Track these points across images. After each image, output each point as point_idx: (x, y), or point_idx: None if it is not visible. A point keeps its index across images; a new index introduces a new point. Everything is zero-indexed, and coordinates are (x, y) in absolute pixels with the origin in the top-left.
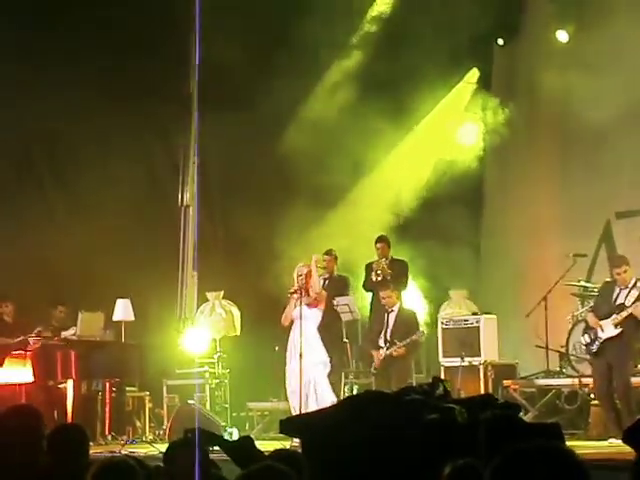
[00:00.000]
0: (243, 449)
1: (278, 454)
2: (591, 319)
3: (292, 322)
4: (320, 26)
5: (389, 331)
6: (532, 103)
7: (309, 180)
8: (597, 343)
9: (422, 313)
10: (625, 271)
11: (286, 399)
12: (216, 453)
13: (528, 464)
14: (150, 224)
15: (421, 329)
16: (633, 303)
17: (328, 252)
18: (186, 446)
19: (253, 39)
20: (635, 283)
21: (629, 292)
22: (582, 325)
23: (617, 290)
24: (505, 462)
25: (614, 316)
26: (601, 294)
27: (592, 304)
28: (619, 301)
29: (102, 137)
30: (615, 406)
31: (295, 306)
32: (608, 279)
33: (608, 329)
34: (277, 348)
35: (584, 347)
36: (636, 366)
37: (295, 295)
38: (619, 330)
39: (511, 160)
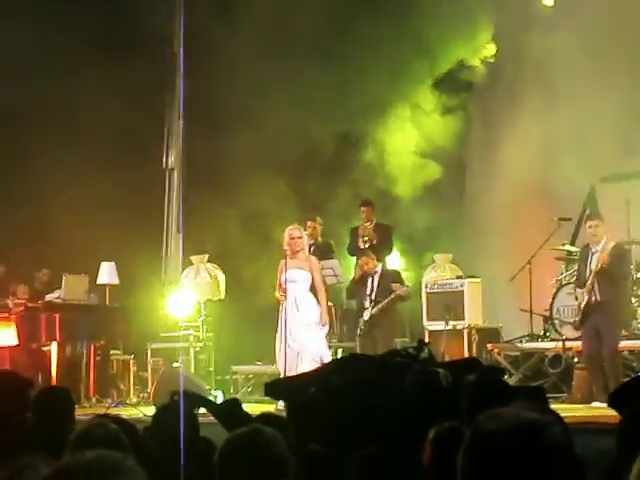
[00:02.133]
0: (230, 411)
1: (263, 418)
2: (578, 292)
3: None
4: None
5: (374, 292)
6: (516, 65)
7: (297, 143)
8: (581, 311)
9: (407, 277)
10: (597, 225)
11: (271, 362)
12: (202, 416)
13: (509, 427)
14: (135, 187)
15: (407, 284)
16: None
17: (311, 218)
18: (174, 408)
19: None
20: (605, 244)
21: (600, 256)
22: (566, 289)
23: (590, 255)
24: (485, 426)
25: (587, 283)
26: (580, 260)
27: (576, 276)
28: (592, 267)
29: (86, 97)
30: (603, 370)
31: (284, 270)
32: (582, 244)
33: (585, 297)
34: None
35: (576, 315)
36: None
37: (282, 262)
38: (590, 297)
39: (494, 122)
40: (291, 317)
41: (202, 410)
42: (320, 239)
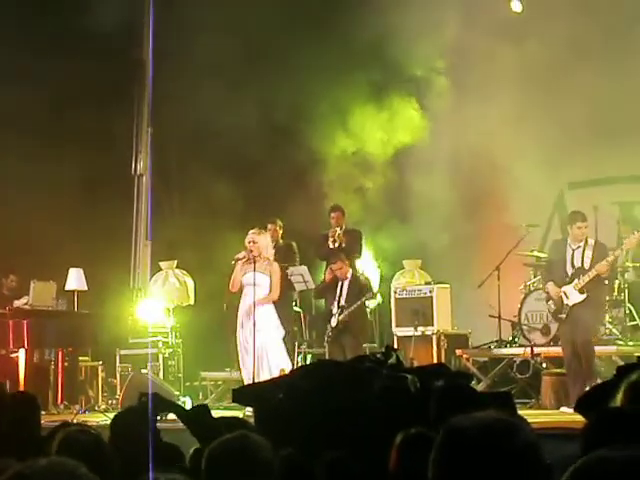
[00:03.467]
0: (198, 417)
1: (229, 423)
2: (552, 289)
3: (241, 289)
4: None
5: (343, 297)
6: (485, 71)
7: (268, 149)
8: (565, 310)
9: (376, 282)
10: (587, 227)
11: (239, 369)
12: (169, 422)
13: (477, 433)
14: (103, 193)
15: (374, 291)
16: (591, 264)
17: (271, 221)
18: (134, 414)
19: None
20: (586, 241)
21: (584, 253)
22: (535, 295)
23: (570, 251)
24: (448, 437)
25: (576, 281)
26: (553, 257)
27: (547, 270)
28: (577, 264)
29: (54, 104)
30: (582, 375)
31: (244, 272)
32: (555, 238)
33: (573, 295)
34: (225, 306)
35: (551, 315)
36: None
37: (240, 261)
38: (585, 295)
39: (463, 128)
40: (247, 322)
41: (171, 416)
42: (281, 241)
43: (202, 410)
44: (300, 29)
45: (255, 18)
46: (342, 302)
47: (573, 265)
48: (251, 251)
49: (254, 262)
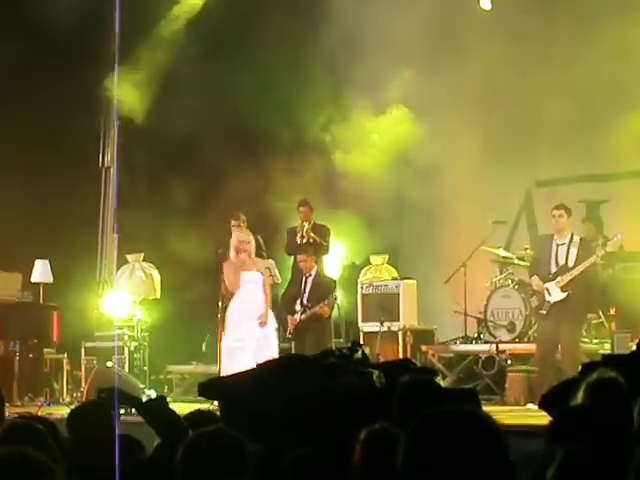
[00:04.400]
0: (157, 409)
1: (193, 416)
2: (536, 283)
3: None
4: None
5: (305, 295)
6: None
7: (233, 140)
8: (545, 306)
9: (342, 277)
10: (561, 215)
11: (206, 362)
12: (132, 416)
13: (442, 428)
14: (70, 185)
15: (335, 296)
16: (575, 263)
17: (235, 217)
18: (92, 409)
19: None
20: (572, 238)
21: (568, 250)
22: (501, 292)
23: (554, 247)
24: (420, 426)
25: (559, 278)
26: (539, 252)
27: (532, 265)
28: (560, 261)
29: (22, 96)
30: (552, 371)
31: (241, 271)
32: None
33: (555, 292)
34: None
35: (532, 310)
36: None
37: (234, 262)
38: (565, 294)
39: (434, 125)
40: (247, 321)
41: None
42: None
43: (160, 402)
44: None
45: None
46: (305, 301)
47: (557, 262)
48: (245, 251)
49: (247, 260)
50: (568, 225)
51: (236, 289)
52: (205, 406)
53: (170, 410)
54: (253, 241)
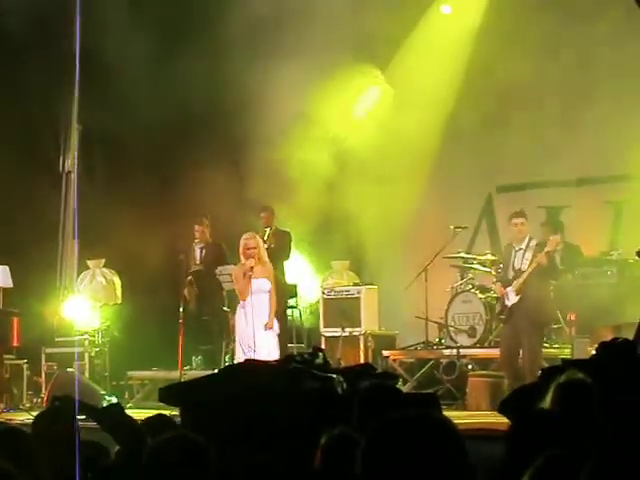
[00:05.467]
0: (112, 416)
1: (153, 420)
2: (497, 288)
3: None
4: None
5: None
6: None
7: (197, 143)
8: (505, 311)
9: (305, 283)
10: (522, 223)
11: (167, 368)
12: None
13: (402, 432)
14: (30, 190)
15: (296, 299)
16: (528, 266)
17: (198, 222)
18: (51, 414)
19: None
20: (529, 243)
21: (524, 255)
22: (461, 297)
23: (513, 253)
24: (379, 431)
25: (515, 282)
26: (503, 260)
27: (498, 273)
28: (517, 265)
29: None
30: (517, 375)
31: (250, 279)
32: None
33: (511, 296)
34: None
35: (495, 315)
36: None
37: (247, 271)
38: (519, 297)
39: (396, 129)
40: (256, 328)
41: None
42: (210, 239)
43: (115, 408)
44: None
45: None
46: None
47: (514, 267)
48: (253, 257)
49: (261, 266)
50: (527, 230)
51: (245, 297)
52: (166, 412)
53: (126, 415)
54: (261, 244)
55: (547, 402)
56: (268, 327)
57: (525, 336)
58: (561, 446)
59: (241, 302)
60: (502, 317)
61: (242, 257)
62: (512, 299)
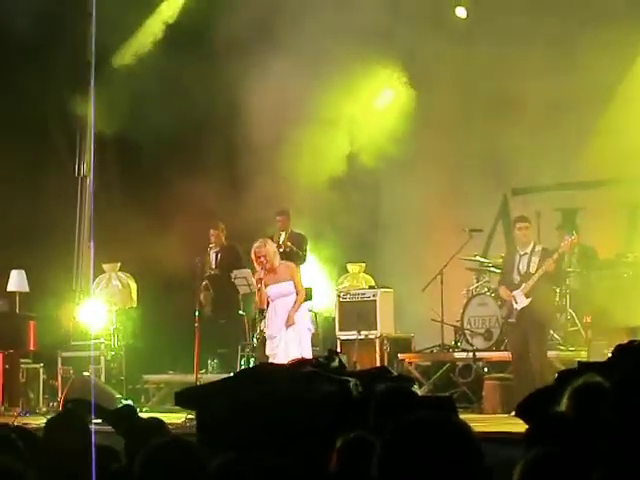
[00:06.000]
0: (123, 418)
1: (148, 425)
2: (503, 292)
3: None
4: None
5: None
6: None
7: (210, 151)
8: (514, 315)
9: (321, 286)
10: (527, 227)
11: (183, 371)
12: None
13: (418, 436)
14: (46, 194)
15: (311, 302)
16: (537, 269)
17: (214, 226)
18: (64, 418)
19: None
20: (534, 248)
21: (530, 259)
22: (477, 299)
23: (517, 258)
24: (395, 434)
25: (524, 285)
26: (506, 264)
27: (501, 277)
28: (522, 269)
29: None
30: (527, 379)
31: (266, 286)
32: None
33: (520, 299)
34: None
35: (502, 320)
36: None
37: (262, 279)
38: (530, 299)
39: (409, 134)
40: (279, 334)
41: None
42: (225, 243)
43: (127, 410)
44: None
45: None
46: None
47: (519, 271)
48: (264, 263)
49: (274, 273)
50: (532, 236)
51: (264, 305)
52: (182, 415)
53: (139, 419)
54: (271, 248)
55: (563, 406)
56: (288, 324)
57: (534, 339)
58: (575, 449)
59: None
60: (512, 320)
61: (255, 265)
62: (522, 302)
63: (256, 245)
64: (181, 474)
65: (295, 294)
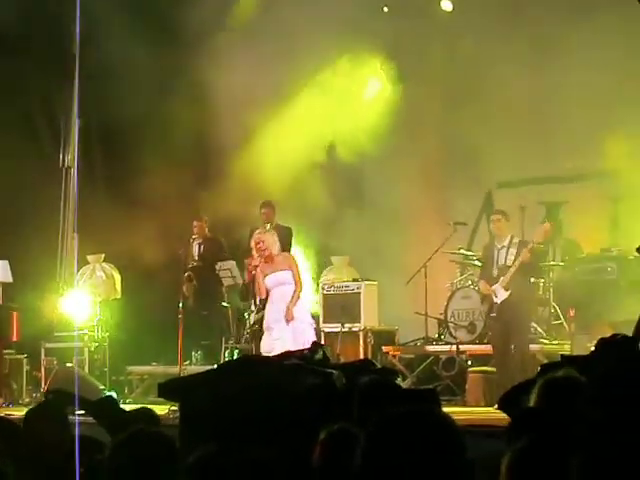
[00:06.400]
0: (105, 408)
1: (138, 414)
2: (483, 286)
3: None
4: None
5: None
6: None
7: (195, 143)
8: (495, 308)
9: (305, 279)
10: (499, 220)
11: (166, 363)
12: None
13: (402, 428)
14: (30, 185)
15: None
16: (514, 262)
17: (197, 218)
18: (43, 409)
19: None
20: (511, 241)
21: (507, 251)
22: (461, 293)
23: (495, 251)
24: (379, 426)
25: (502, 279)
26: (484, 259)
27: (480, 272)
28: (500, 262)
29: None
30: (509, 371)
31: (265, 275)
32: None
33: (500, 293)
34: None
35: (484, 314)
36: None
37: (258, 267)
38: (509, 292)
39: (393, 127)
40: (277, 325)
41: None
42: (208, 234)
43: (108, 401)
44: None
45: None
46: (258, 300)
47: (497, 264)
48: (263, 251)
49: (271, 262)
50: (507, 229)
51: (262, 295)
52: (165, 407)
53: (120, 409)
54: (270, 238)
55: (532, 399)
56: (288, 319)
57: (515, 332)
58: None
59: (268, 298)
60: (493, 315)
61: (253, 251)
62: (501, 295)
63: (257, 232)
64: (149, 464)
65: (294, 284)
